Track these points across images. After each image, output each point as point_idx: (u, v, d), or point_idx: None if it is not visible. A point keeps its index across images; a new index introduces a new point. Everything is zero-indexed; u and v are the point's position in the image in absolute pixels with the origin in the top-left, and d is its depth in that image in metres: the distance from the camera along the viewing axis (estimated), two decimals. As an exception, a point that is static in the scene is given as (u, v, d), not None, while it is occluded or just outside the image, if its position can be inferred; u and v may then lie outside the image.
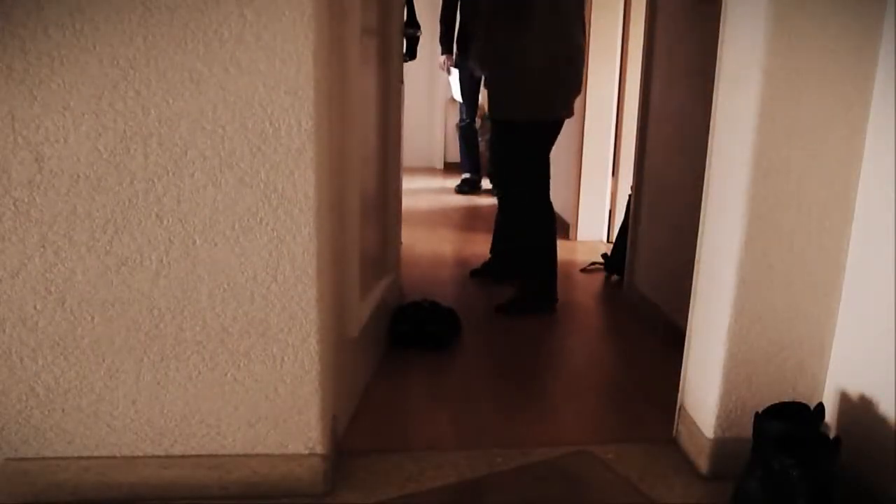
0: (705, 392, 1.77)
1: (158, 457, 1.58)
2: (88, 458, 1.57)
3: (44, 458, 1.56)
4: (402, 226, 2.73)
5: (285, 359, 1.56)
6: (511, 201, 3.05)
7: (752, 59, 1.57)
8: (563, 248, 3.24)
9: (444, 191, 5.77)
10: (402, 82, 2.51)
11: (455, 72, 5.38)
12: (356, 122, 1.82)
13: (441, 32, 5.20)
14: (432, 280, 3.33)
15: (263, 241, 1.50)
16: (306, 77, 1.43)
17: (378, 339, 2.36)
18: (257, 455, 1.60)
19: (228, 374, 1.56)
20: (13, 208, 1.43)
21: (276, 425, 1.59)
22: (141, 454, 1.58)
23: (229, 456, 1.60)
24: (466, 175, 5.72)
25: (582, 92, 4.11)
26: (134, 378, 1.54)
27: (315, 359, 1.57)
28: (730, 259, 1.66)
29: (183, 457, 1.59)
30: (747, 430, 1.61)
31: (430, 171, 6.73)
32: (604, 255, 3.62)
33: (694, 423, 1.83)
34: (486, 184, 5.61)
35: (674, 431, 1.95)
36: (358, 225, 1.89)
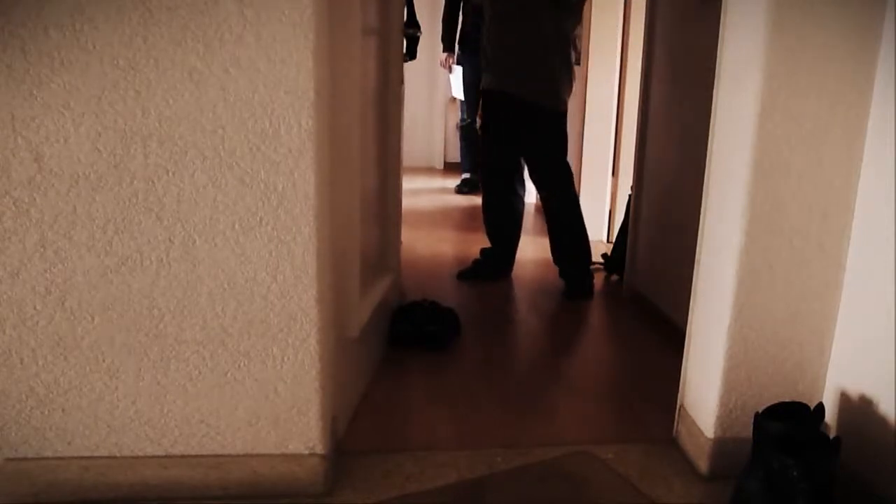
0: (705, 392, 1.77)
1: (158, 457, 1.58)
2: (88, 458, 1.57)
3: (44, 458, 1.55)
4: (402, 226, 2.73)
5: (285, 359, 1.56)
6: (566, 194, 3.14)
7: (752, 59, 1.57)
8: (563, 248, 3.26)
9: (444, 191, 5.77)
10: (402, 82, 2.51)
11: (457, 70, 5.38)
12: (356, 122, 1.82)
13: (443, 31, 5.20)
14: (432, 280, 3.33)
15: (263, 241, 1.50)
16: (306, 77, 1.43)
17: (378, 339, 2.36)
18: (257, 455, 1.60)
19: (228, 374, 1.56)
20: (13, 208, 1.43)
21: (276, 425, 1.59)
22: (141, 454, 1.58)
23: (229, 456, 1.60)
24: (466, 175, 5.71)
25: (582, 91, 4.13)
26: (134, 378, 1.54)
27: (315, 359, 1.57)
28: (730, 259, 1.66)
29: (183, 457, 1.59)
30: (747, 430, 1.61)
31: (430, 171, 6.73)
32: (604, 255, 3.62)
33: (694, 423, 1.83)
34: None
35: (674, 431, 1.95)
36: (358, 225, 1.89)
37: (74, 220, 1.45)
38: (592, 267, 3.57)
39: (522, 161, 3.29)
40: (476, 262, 3.44)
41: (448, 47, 5.22)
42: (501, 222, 3.35)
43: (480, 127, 3.36)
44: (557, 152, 3.09)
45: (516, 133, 3.14)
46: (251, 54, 1.41)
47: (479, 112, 3.24)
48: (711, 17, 1.87)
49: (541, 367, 2.52)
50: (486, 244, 3.45)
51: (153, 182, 1.45)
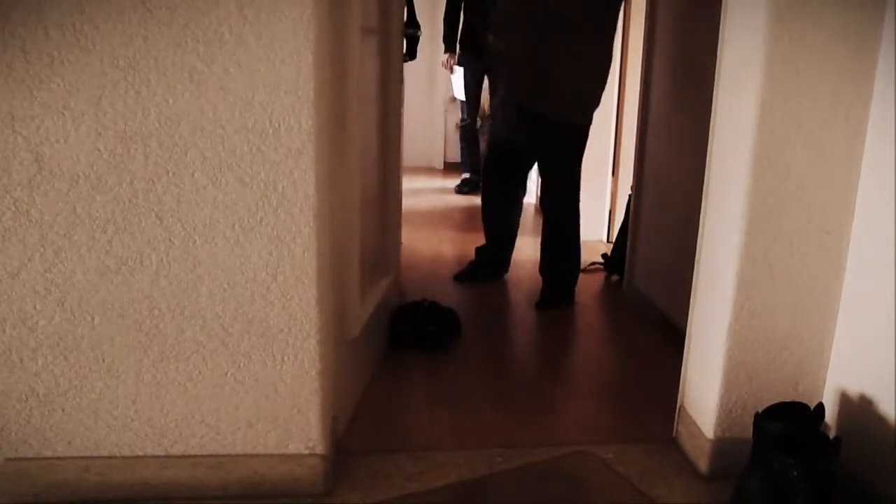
0: (705, 392, 1.77)
1: (158, 457, 1.58)
2: (88, 458, 1.57)
3: (44, 458, 1.56)
4: (402, 226, 2.73)
5: (285, 359, 1.56)
6: (573, 208, 3.07)
7: (752, 59, 1.57)
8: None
9: (444, 191, 5.77)
10: (402, 82, 2.51)
11: (458, 70, 5.38)
12: (356, 122, 1.82)
13: (444, 31, 5.20)
14: (432, 280, 3.33)
15: (263, 241, 1.50)
16: (306, 77, 1.43)
17: (378, 339, 2.36)
18: (257, 455, 1.60)
19: (228, 374, 1.56)
20: (13, 208, 1.43)
21: (276, 425, 1.59)
22: (141, 454, 1.58)
23: (229, 456, 1.60)
24: (466, 175, 5.71)
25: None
26: (134, 378, 1.54)
27: (315, 359, 1.57)
28: (730, 259, 1.66)
29: (183, 457, 1.59)
30: (747, 430, 1.61)
31: (430, 171, 6.73)
32: (604, 255, 3.62)
33: (694, 424, 1.83)
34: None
35: (674, 432, 1.95)
36: (358, 225, 1.89)
37: (74, 220, 1.45)
38: (592, 266, 3.58)
39: (525, 165, 3.27)
40: (472, 263, 3.43)
41: (449, 47, 5.22)
42: (498, 223, 3.34)
43: (490, 129, 3.31)
44: (574, 167, 3.03)
45: (531, 145, 3.08)
46: (251, 54, 1.41)
47: (483, 112, 3.18)
48: (711, 18, 1.87)
49: (541, 367, 2.52)
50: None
51: (153, 182, 1.45)
